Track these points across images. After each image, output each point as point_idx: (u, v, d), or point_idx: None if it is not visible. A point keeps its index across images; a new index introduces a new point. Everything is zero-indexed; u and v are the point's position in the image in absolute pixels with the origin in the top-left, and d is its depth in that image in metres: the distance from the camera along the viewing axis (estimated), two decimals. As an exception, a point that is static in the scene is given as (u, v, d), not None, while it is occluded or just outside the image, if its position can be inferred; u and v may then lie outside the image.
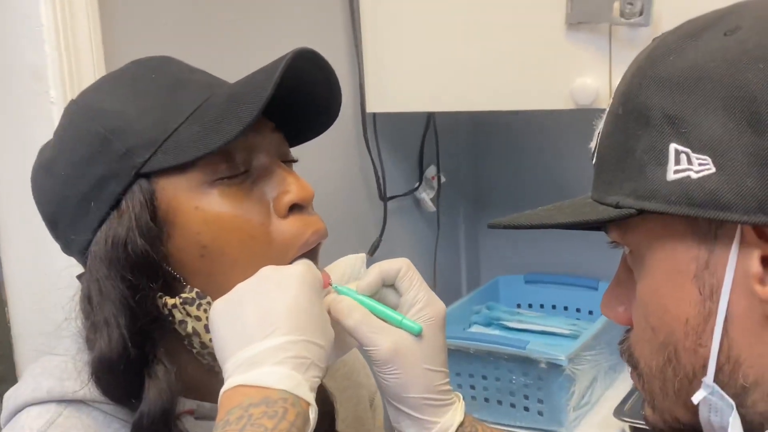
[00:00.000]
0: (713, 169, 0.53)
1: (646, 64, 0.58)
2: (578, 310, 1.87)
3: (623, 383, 1.72)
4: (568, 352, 1.49)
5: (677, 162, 0.54)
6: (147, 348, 0.72)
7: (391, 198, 1.69)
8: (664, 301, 0.58)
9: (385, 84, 1.56)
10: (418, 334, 0.73)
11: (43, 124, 1.04)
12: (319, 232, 0.75)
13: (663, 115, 0.55)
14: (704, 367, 0.56)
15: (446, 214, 1.91)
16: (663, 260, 0.57)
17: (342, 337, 0.74)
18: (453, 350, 1.52)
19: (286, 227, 0.74)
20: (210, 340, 0.72)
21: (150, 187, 0.71)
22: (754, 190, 0.51)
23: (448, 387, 0.76)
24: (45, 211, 0.78)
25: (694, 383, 0.57)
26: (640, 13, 1.28)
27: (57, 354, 0.78)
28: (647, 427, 0.65)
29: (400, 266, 0.76)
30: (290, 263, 0.73)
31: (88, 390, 0.73)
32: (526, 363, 1.52)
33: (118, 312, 0.71)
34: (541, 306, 1.92)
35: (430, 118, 1.79)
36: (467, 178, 2.01)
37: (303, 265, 0.70)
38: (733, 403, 0.56)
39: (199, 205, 0.71)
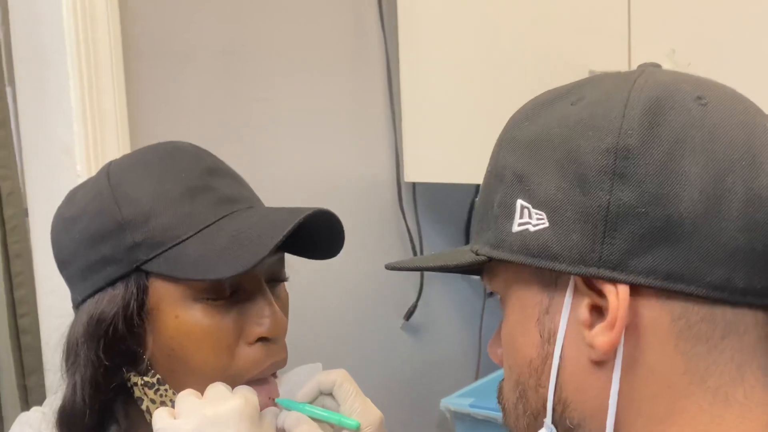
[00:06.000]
0: (547, 224, 0.57)
1: (507, 127, 0.64)
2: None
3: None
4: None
5: (521, 216, 0.59)
6: (105, 406, 0.79)
7: (432, 264, 1.72)
8: (515, 343, 0.62)
9: (425, 154, 1.60)
10: (357, 429, 0.77)
11: (69, 194, 1.15)
12: (277, 364, 0.80)
13: (513, 173, 0.60)
14: (544, 407, 0.60)
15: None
16: (515, 305, 0.62)
17: None
18: (490, 421, 1.52)
19: (249, 354, 0.78)
20: None
21: (145, 283, 0.77)
22: (578, 243, 0.56)
23: None
24: (57, 254, 0.83)
25: (538, 421, 0.61)
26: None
27: (38, 408, 0.87)
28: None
29: (335, 378, 0.80)
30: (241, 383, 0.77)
31: None
32: None
33: (84, 381, 0.78)
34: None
35: (478, 188, 1.83)
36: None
37: (240, 399, 0.73)
38: None
39: (179, 314, 0.77)
